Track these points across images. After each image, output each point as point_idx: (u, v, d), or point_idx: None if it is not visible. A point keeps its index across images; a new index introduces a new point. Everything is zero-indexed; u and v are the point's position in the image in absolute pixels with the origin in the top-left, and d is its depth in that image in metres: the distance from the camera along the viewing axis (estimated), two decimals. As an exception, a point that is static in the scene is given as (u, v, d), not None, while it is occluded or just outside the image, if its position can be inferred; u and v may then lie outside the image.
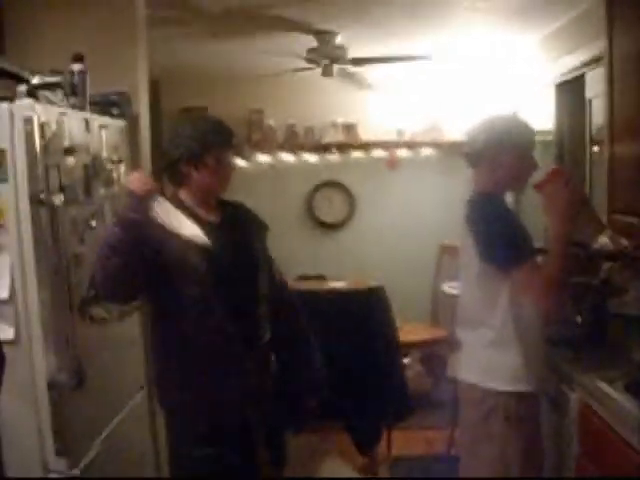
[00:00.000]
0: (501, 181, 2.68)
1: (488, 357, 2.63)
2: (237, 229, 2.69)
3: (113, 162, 3.14)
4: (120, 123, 3.35)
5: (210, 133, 2.60)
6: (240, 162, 6.56)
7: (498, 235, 2.54)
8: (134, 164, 3.46)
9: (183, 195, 2.64)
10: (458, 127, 6.37)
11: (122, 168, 3.25)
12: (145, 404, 3.52)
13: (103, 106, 3.25)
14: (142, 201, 2.34)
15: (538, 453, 2.69)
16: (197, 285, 2.50)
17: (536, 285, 2.48)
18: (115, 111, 3.32)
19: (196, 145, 2.56)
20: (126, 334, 3.31)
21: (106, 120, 3.15)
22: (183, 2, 4.12)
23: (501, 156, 2.65)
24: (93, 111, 3.10)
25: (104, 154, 3.04)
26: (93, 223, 2.85)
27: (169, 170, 2.64)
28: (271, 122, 6.72)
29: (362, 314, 4.44)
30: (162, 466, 3.63)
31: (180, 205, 2.55)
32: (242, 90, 6.63)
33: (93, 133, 2.95)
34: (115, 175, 3.16)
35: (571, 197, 2.53)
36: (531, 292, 2.50)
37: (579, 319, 3.07)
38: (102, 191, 3.00)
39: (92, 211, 2.86)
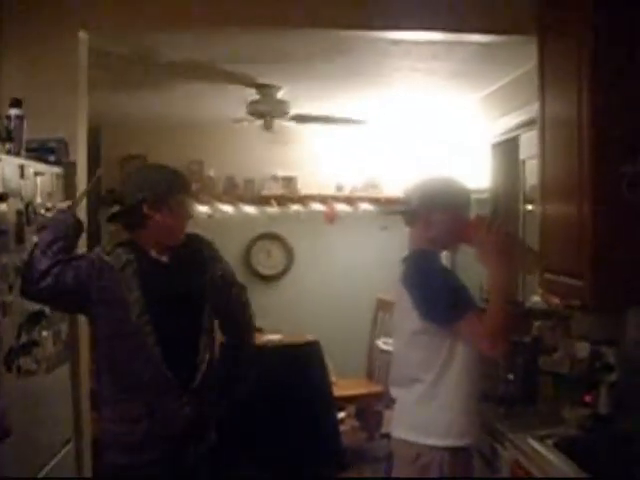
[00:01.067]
0: (436, 239, 2.72)
1: (421, 413, 2.63)
2: (184, 266, 2.73)
3: (47, 209, 3.08)
4: (56, 170, 3.29)
5: (173, 178, 2.71)
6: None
7: (436, 291, 2.57)
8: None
9: (138, 238, 2.68)
10: (396, 183, 6.49)
11: (56, 215, 3.19)
12: (72, 458, 3.40)
13: (40, 152, 3.19)
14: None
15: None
16: (133, 319, 2.56)
17: (483, 333, 2.49)
18: (52, 158, 3.26)
19: (162, 188, 2.63)
20: (55, 387, 3.21)
21: (42, 167, 3.10)
22: (126, 57, 4.13)
23: (435, 215, 2.69)
24: (29, 157, 3.05)
25: (38, 200, 2.98)
26: (24, 271, 2.78)
27: (126, 214, 2.69)
28: (211, 173, 6.73)
29: (297, 368, 4.42)
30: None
31: (135, 247, 2.64)
32: (182, 140, 6.64)
33: (28, 179, 2.89)
34: (49, 223, 3.09)
35: (499, 239, 2.58)
36: (480, 341, 2.52)
37: (511, 376, 3.10)
38: (35, 239, 2.92)
39: (23, 258, 2.78)
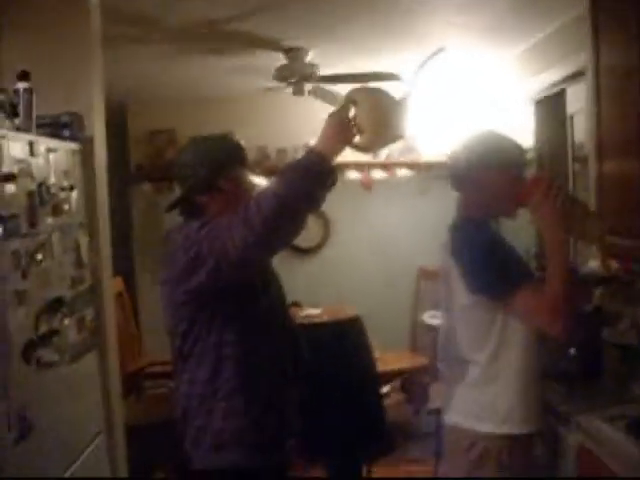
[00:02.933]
0: (489, 205, 2.45)
1: (476, 397, 2.39)
2: None
3: (63, 189, 2.88)
4: (72, 146, 3.08)
5: (219, 153, 2.37)
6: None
7: (488, 263, 2.31)
8: (88, 190, 3.20)
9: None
10: (434, 147, 6.24)
11: (74, 195, 2.99)
12: (104, 451, 3.23)
13: (53, 128, 2.99)
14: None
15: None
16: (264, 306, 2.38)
17: (542, 307, 2.23)
18: (66, 133, 3.06)
19: (206, 171, 2.32)
20: (80, 377, 3.04)
21: (55, 143, 2.89)
22: (147, 18, 3.90)
23: (486, 177, 2.42)
24: (41, 133, 2.85)
25: (52, 180, 2.78)
26: (39, 256, 2.59)
27: (183, 204, 2.41)
28: (242, 143, 6.50)
29: (339, 345, 4.23)
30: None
31: None
32: (211, 111, 6.43)
33: (39, 157, 2.69)
34: (66, 203, 2.90)
35: (559, 201, 2.30)
36: (538, 316, 2.25)
37: (572, 351, 2.85)
38: (50, 221, 2.74)
39: (38, 243, 2.60)
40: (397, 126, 2.32)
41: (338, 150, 2.20)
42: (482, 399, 2.37)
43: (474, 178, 2.43)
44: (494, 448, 2.33)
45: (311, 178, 2.10)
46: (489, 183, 2.41)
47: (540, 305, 2.23)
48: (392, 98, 2.32)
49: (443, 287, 2.55)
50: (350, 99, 2.27)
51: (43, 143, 2.76)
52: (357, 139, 2.25)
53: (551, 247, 2.29)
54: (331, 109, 2.32)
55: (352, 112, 2.25)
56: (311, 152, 2.16)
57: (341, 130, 2.20)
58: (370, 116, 2.24)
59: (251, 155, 6.46)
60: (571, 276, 2.30)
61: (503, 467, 2.32)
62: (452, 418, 2.46)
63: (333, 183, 2.17)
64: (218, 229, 2.13)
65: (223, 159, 2.34)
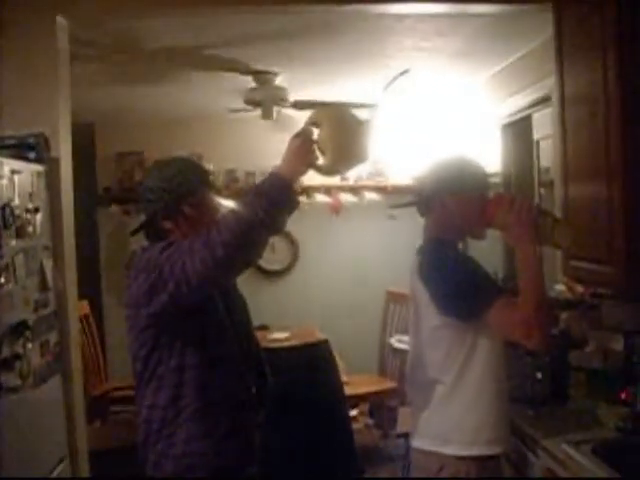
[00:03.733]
0: (455, 228, 2.46)
1: (443, 420, 2.38)
2: None
3: (28, 211, 2.84)
4: (37, 168, 3.05)
5: (183, 179, 2.31)
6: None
7: (458, 284, 2.31)
8: (54, 212, 3.16)
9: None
10: (402, 171, 6.27)
11: (39, 217, 2.95)
12: (68, 476, 3.17)
13: (18, 149, 2.96)
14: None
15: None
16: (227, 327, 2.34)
17: (517, 321, 2.21)
18: (32, 155, 3.02)
19: (170, 197, 2.29)
20: (44, 402, 2.98)
21: (20, 165, 2.85)
22: (115, 41, 3.89)
23: (452, 201, 2.43)
24: (6, 155, 2.81)
25: (16, 202, 2.74)
26: (2, 280, 2.55)
27: (147, 228, 2.37)
28: (210, 166, 6.47)
29: (307, 368, 4.21)
30: None
31: None
32: (180, 133, 6.42)
33: (3, 179, 2.65)
34: (30, 225, 2.86)
35: (526, 214, 2.31)
36: (514, 330, 2.23)
37: (539, 374, 2.86)
38: (13, 243, 2.70)
39: (1, 266, 2.56)
40: (360, 148, 2.29)
41: (300, 173, 2.18)
42: (448, 420, 2.36)
43: (440, 202, 2.44)
44: (462, 471, 2.31)
45: (272, 201, 2.08)
46: (454, 207, 2.43)
47: (515, 319, 2.22)
48: (356, 119, 2.30)
49: (412, 310, 2.55)
50: (312, 120, 2.25)
51: (7, 164, 2.73)
52: (320, 161, 2.22)
53: (523, 261, 2.28)
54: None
55: (315, 134, 2.24)
56: (272, 175, 2.14)
57: (302, 152, 2.18)
58: (332, 138, 2.22)
59: (219, 178, 6.52)
60: (544, 288, 2.31)
61: None
62: (420, 442, 2.44)
63: (294, 206, 2.16)
64: (179, 251, 2.11)
65: (187, 185, 2.31)
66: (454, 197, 2.42)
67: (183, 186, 2.30)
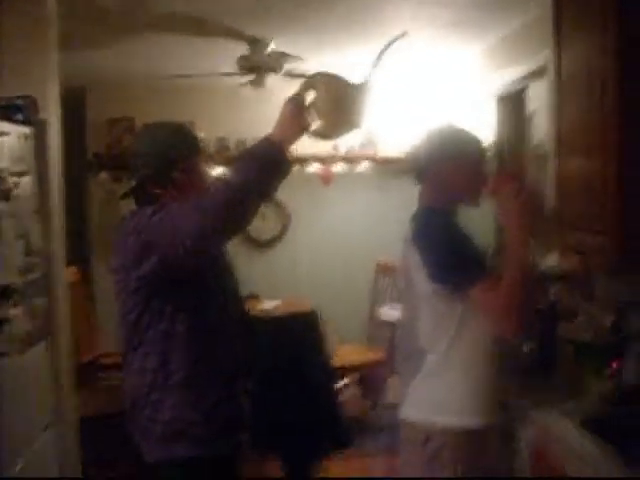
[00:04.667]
0: (448, 196, 2.44)
1: (431, 389, 2.37)
2: None
3: (14, 174, 2.80)
4: (24, 130, 3.00)
5: (172, 145, 2.28)
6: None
7: (448, 254, 2.30)
8: (42, 176, 3.12)
9: None
10: (394, 142, 6.23)
11: (26, 180, 2.91)
12: (53, 443, 3.16)
13: (5, 111, 2.91)
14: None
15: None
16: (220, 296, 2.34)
17: (497, 304, 2.21)
18: (19, 117, 2.97)
19: (159, 163, 2.25)
20: (31, 367, 2.96)
21: (7, 126, 2.81)
22: (107, 3, 3.82)
23: (445, 169, 2.41)
24: (-8, 117, 2.77)
25: (3, 164, 2.70)
26: (-13, 242, 2.52)
27: (137, 193, 2.33)
28: (202, 134, 6.41)
29: (296, 338, 4.20)
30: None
31: None
32: (172, 100, 6.33)
33: (-11, 141, 2.61)
34: (17, 188, 2.82)
35: (527, 202, 2.29)
36: (492, 312, 2.24)
37: (527, 346, 2.85)
38: (0, 206, 2.66)
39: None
40: (356, 113, 2.26)
41: (294, 137, 2.15)
42: (436, 390, 2.35)
43: (434, 170, 2.42)
44: (449, 442, 2.31)
45: (264, 166, 2.05)
46: (449, 174, 2.41)
47: (495, 302, 2.21)
48: (351, 84, 2.26)
49: (403, 279, 2.53)
50: (307, 85, 2.22)
51: (-6, 126, 2.69)
52: (315, 126, 2.19)
53: (512, 245, 2.27)
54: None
55: (310, 97, 2.20)
56: (266, 140, 2.11)
57: (297, 116, 2.15)
58: (328, 102, 2.19)
59: (210, 146, 6.46)
60: (530, 275, 2.30)
61: (459, 461, 2.31)
62: (407, 412, 2.44)
63: (287, 171, 2.13)
64: (171, 216, 2.08)
65: (177, 151, 2.27)
66: (448, 164, 2.40)
67: (173, 151, 2.26)
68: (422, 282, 2.35)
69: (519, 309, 2.21)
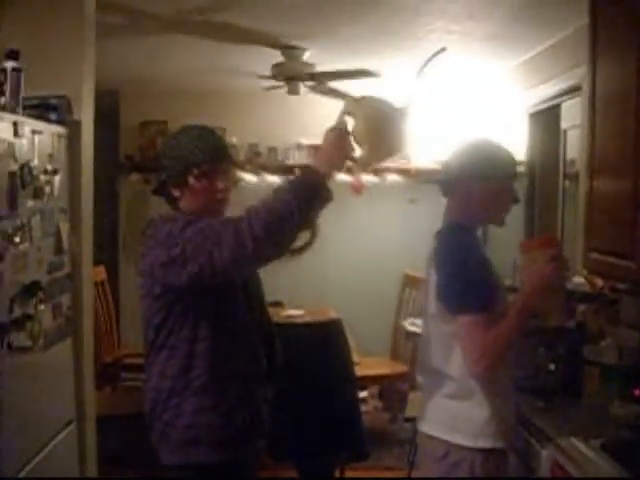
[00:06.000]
0: (476, 213, 2.42)
1: (451, 409, 2.35)
2: None
3: (46, 172, 2.83)
4: (58, 129, 3.04)
5: (191, 150, 2.27)
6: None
7: (455, 274, 2.28)
8: (73, 175, 3.15)
9: (183, 211, 2.34)
10: (426, 154, 6.21)
11: (57, 179, 2.94)
12: (73, 441, 3.18)
13: (40, 110, 2.94)
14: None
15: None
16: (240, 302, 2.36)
17: (479, 344, 2.19)
18: (53, 116, 3.01)
19: (177, 166, 2.26)
20: (53, 364, 2.99)
21: (41, 125, 2.84)
22: (143, 8, 3.86)
23: (477, 186, 2.39)
24: (27, 115, 2.80)
25: (35, 162, 2.73)
26: (17, 239, 2.54)
27: (160, 193, 2.36)
28: (233, 140, 6.45)
29: (318, 347, 4.18)
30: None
31: None
32: (204, 106, 6.38)
33: (23, 138, 2.64)
34: (48, 187, 2.85)
35: (554, 274, 2.27)
36: (469, 350, 2.22)
37: (552, 366, 2.81)
38: (30, 204, 2.69)
39: (16, 225, 2.55)
40: (397, 138, 2.22)
41: (336, 167, 2.14)
42: (457, 412, 2.32)
43: (464, 185, 2.40)
44: (467, 459, 2.29)
45: (305, 195, 2.04)
46: (479, 193, 2.38)
47: (478, 341, 2.20)
48: (391, 107, 2.23)
49: (423, 292, 2.52)
50: (346, 111, 2.19)
51: (28, 124, 2.72)
52: (356, 153, 2.17)
53: (519, 303, 2.27)
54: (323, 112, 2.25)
55: (349, 125, 2.17)
56: (307, 169, 2.12)
57: (338, 146, 2.13)
58: (368, 128, 2.15)
59: (242, 152, 6.49)
60: (520, 335, 2.29)
61: (476, 477, 2.29)
62: (427, 426, 2.42)
63: (328, 201, 2.10)
64: (205, 235, 2.08)
65: (194, 156, 2.26)
66: (480, 183, 2.38)
67: (190, 157, 2.26)
68: (432, 300, 2.34)
69: (495, 360, 2.21)
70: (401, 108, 2.25)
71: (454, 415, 2.33)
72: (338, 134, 2.14)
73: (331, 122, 2.19)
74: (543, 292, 2.27)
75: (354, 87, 5.58)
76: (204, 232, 2.09)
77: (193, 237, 2.09)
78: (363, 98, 2.27)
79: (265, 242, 2.02)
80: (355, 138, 2.15)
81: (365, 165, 2.25)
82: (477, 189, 2.38)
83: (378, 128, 2.18)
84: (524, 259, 2.36)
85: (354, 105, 2.22)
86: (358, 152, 2.17)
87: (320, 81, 5.13)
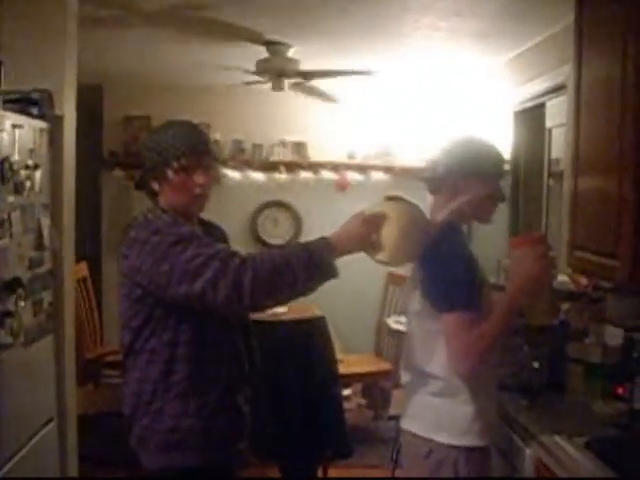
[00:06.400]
0: (462, 210, 2.41)
1: (435, 407, 2.34)
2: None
3: (27, 167, 2.79)
4: (40, 124, 3.00)
5: (170, 143, 2.23)
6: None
7: (443, 271, 2.27)
8: (55, 171, 3.12)
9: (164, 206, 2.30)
10: (410, 152, 6.22)
11: (39, 174, 2.90)
12: (54, 438, 3.15)
13: (21, 104, 2.90)
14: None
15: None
16: None
17: (464, 343, 2.19)
18: (35, 111, 2.97)
19: (156, 159, 2.23)
20: (34, 361, 2.96)
21: (22, 119, 2.80)
22: (126, 2, 3.82)
23: (465, 183, 2.38)
24: (8, 109, 2.76)
25: (16, 157, 2.69)
26: (-3, 234, 2.51)
27: (142, 186, 2.34)
28: (217, 136, 6.42)
29: (302, 344, 4.17)
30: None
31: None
32: (188, 101, 6.35)
33: (4, 133, 2.60)
34: (29, 182, 2.81)
35: (542, 272, 2.27)
36: (451, 347, 2.22)
37: (536, 364, 2.81)
38: (11, 199, 2.66)
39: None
40: (419, 248, 2.26)
41: (351, 251, 2.20)
42: (441, 410, 2.32)
43: (451, 183, 2.39)
44: (451, 458, 2.28)
45: (314, 270, 2.10)
46: (465, 189, 2.37)
47: (463, 339, 2.19)
48: (424, 217, 2.27)
49: (408, 292, 2.51)
50: (383, 209, 2.20)
51: (9, 118, 2.68)
52: (377, 254, 2.21)
53: (506, 302, 2.26)
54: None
55: (380, 220, 2.19)
56: (322, 240, 2.15)
57: (362, 234, 2.18)
58: (398, 233, 2.18)
59: (226, 148, 6.46)
60: (509, 331, 2.30)
61: (459, 476, 2.29)
62: (410, 424, 2.41)
63: (331, 277, 2.16)
64: (200, 264, 2.04)
65: (173, 150, 2.22)
66: (468, 180, 2.37)
67: (169, 150, 2.23)
68: (417, 297, 2.34)
69: (480, 358, 2.21)
70: (431, 221, 2.32)
71: (438, 413, 2.32)
72: (366, 225, 2.17)
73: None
74: (531, 291, 2.27)
75: (340, 85, 5.62)
76: (198, 260, 2.05)
77: (186, 263, 2.05)
78: (401, 200, 2.27)
79: (262, 300, 2.09)
80: (383, 237, 2.18)
81: (382, 263, 2.25)
82: (465, 186, 2.37)
83: (408, 235, 2.20)
84: (513, 257, 2.36)
85: (392, 206, 2.23)
86: (382, 254, 2.20)
87: (309, 78, 5.11)
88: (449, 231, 2.36)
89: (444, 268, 2.28)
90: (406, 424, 2.43)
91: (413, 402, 2.42)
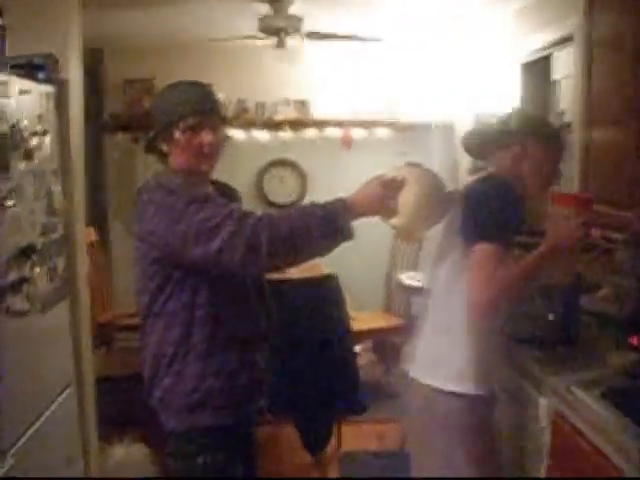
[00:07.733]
0: (520, 171, 2.37)
1: (438, 346, 2.37)
2: None
3: (36, 133, 2.77)
4: (46, 88, 2.97)
5: (176, 104, 2.24)
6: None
7: (486, 201, 2.25)
8: (63, 136, 3.10)
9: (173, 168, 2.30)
10: (416, 107, 6.16)
11: (47, 140, 2.89)
12: (73, 403, 3.18)
13: (26, 69, 2.87)
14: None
15: (494, 463, 2.44)
16: None
17: (483, 273, 2.17)
18: (41, 76, 2.94)
19: (164, 121, 2.23)
20: (51, 327, 2.97)
21: (28, 84, 2.77)
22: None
23: (529, 143, 2.36)
24: (14, 74, 2.73)
25: (25, 123, 2.67)
26: (9, 202, 2.50)
27: (151, 149, 2.33)
28: (220, 96, 6.36)
29: (314, 303, 4.19)
30: (91, 470, 3.32)
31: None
32: (191, 62, 6.27)
33: (11, 99, 2.57)
34: (39, 148, 2.79)
35: (581, 239, 2.28)
36: (474, 274, 2.20)
37: (551, 316, 2.82)
38: (22, 166, 2.64)
39: (8, 188, 2.50)
40: (439, 217, 2.26)
41: (367, 214, 2.17)
42: (441, 349, 2.34)
43: (518, 139, 2.36)
44: (454, 408, 2.31)
45: (328, 226, 2.07)
46: (529, 149, 2.36)
47: (487, 270, 2.17)
48: (442, 184, 2.26)
49: (443, 240, 2.44)
50: (402, 174, 2.19)
51: (16, 84, 2.64)
52: (395, 220, 2.20)
53: (537, 255, 2.26)
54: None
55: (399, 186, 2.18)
56: (340, 202, 2.14)
57: (380, 200, 2.17)
58: (415, 201, 2.17)
59: (230, 108, 6.41)
60: (530, 279, 2.31)
61: (460, 428, 2.32)
62: (413, 371, 2.44)
63: (346, 239, 2.13)
64: (215, 224, 2.03)
65: (180, 110, 2.22)
66: (533, 141, 2.36)
67: (176, 110, 2.22)
68: (456, 245, 2.32)
69: (497, 295, 2.19)
70: (450, 192, 2.30)
71: (440, 354, 2.34)
72: (384, 189, 2.17)
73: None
74: (565, 252, 2.27)
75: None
76: (213, 221, 2.05)
77: (202, 223, 2.05)
78: (420, 167, 2.26)
79: (277, 259, 2.09)
80: (401, 204, 2.16)
81: (396, 229, 2.25)
82: (535, 148, 2.36)
83: (426, 203, 2.19)
84: (554, 212, 2.34)
85: (411, 171, 2.22)
86: (395, 219, 2.19)
87: (313, 38, 5.05)
88: (504, 184, 2.32)
89: (489, 199, 2.26)
90: (410, 370, 2.47)
91: (421, 345, 2.46)
